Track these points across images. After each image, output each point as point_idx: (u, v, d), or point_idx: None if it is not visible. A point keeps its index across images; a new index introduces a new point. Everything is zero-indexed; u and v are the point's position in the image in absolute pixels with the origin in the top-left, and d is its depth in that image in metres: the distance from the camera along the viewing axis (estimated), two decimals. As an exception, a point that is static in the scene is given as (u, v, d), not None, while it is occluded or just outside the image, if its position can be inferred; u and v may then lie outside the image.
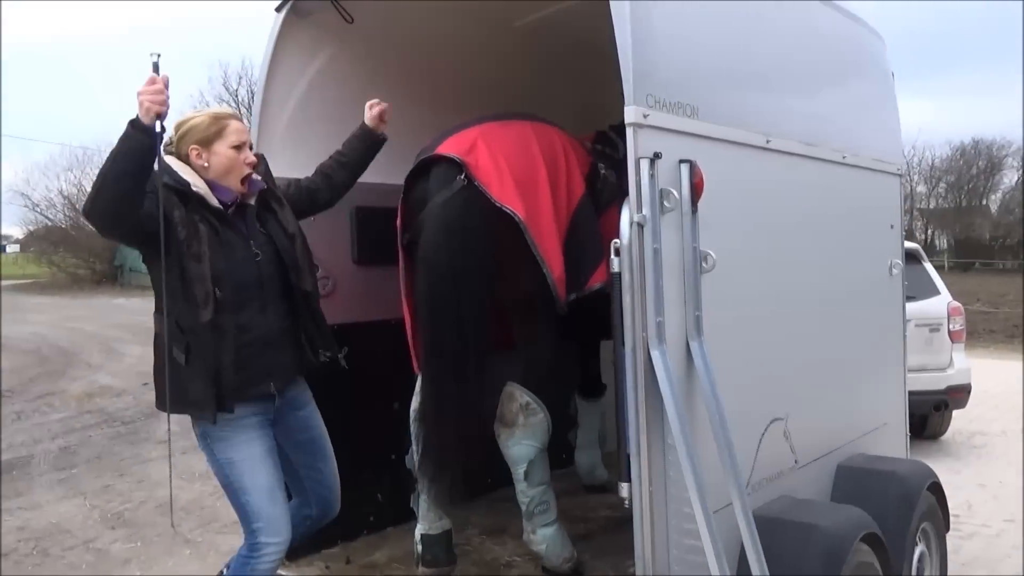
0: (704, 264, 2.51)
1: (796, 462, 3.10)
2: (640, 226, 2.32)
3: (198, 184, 2.67)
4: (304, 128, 3.65)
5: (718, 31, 2.77)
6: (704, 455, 2.43)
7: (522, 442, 3.07)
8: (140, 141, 2.42)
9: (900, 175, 4.04)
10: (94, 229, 2.62)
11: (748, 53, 2.92)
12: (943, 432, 7.50)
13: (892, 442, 3.94)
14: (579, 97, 4.53)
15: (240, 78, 36.29)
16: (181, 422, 2.79)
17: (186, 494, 6.18)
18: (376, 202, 3.82)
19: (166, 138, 2.73)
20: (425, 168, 3.06)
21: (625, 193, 2.90)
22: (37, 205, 36.38)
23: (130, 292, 28.70)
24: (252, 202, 2.83)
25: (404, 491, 3.82)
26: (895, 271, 3.93)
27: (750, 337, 2.86)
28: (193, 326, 2.57)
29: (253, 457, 2.69)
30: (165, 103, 2.45)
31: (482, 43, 4.06)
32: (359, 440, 3.65)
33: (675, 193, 2.38)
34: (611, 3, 2.35)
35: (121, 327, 17.46)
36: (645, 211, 2.32)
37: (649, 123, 2.34)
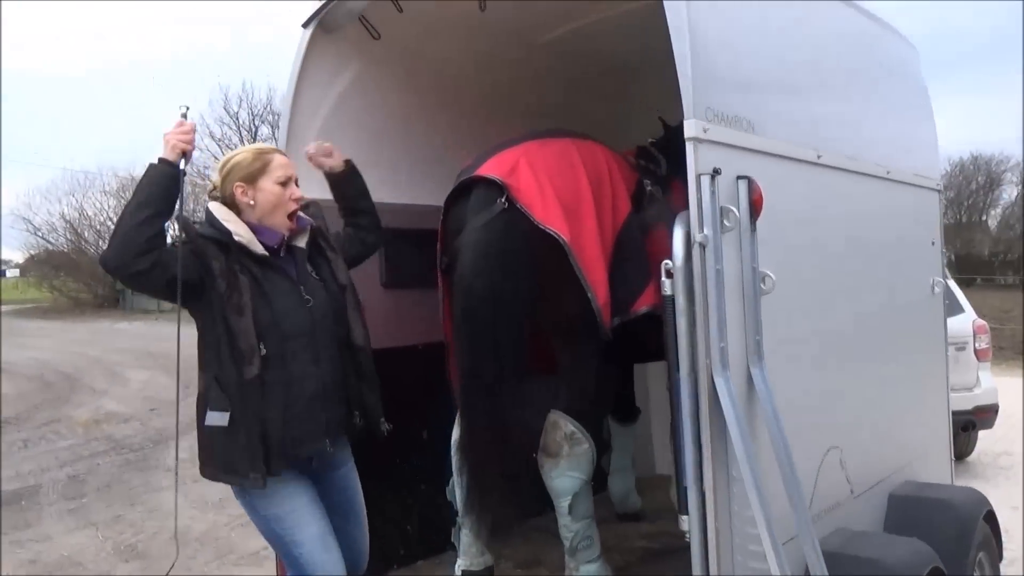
0: (763, 285, 2.39)
1: (852, 492, 2.97)
2: (702, 246, 2.20)
3: (241, 233, 2.51)
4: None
5: (769, 42, 2.67)
6: (765, 486, 2.30)
7: (567, 473, 2.94)
8: (162, 171, 2.36)
9: (939, 190, 3.93)
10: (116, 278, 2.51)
11: (797, 65, 2.82)
12: (969, 453, 7.35)
13: (937, 467, 3.81)
14: (604, 113, 4.44)
15: (241, 101, 36.56)
16: (191, 448, 2.63)
17: (199, 524, 6.02)
18: (405, 224, 3.71)
19: (208, 184, 2.67)
20: (465, 190, 2.96)
21: (672, 211, 2.79)
22: (39, 229, 36.33)
23: (132, 316, 28.60)
24: (303, 244, 2.67)
25: (435, 523, 3.70)
26: (937, 289, 3.81)
27: (805, 361, 2.73)
28: (236, 384, 2.40)
29: (301, 507, 2.51)
30: (191, 142, 2.41)
31: (507, 59, 3.98)
32: (388, 470, 3.52)
33: (735, 211, 2.27)
34: (668, 14, 2.24)
35: (124, 352, 17.32)
36: (706, 230, 2.21)
37: (709, 138, 2.23)
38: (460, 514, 3.12)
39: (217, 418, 2.42)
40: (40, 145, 63.58)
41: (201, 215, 2.66)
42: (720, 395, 2.21)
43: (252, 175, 2.57)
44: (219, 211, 2.55)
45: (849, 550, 2.65)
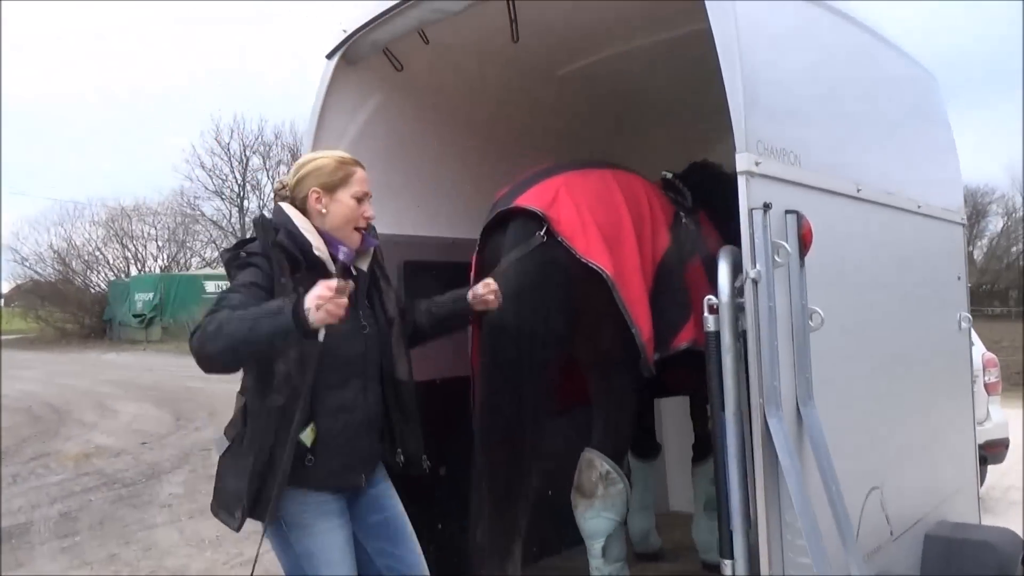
0: (811, 322, 2.33)
1: (891, 534, 2.89)
2: (755, 282, 2.14)
3: (320, 248, 2.39)
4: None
5: (811, 75, 2.64)
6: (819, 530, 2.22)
7: (601, 515, 2.85)
8: (295, 335, 2.11)
9: (964, 224, 3.91)
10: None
11: (835, 98, 2.79)
12: (980, 487, 7.27)
13: (966, 506, 3.74)
14: (620, 145, 4.42)
15: (232, 131, 36.53)
16: (185, 483, 2.51)
17: (197, 563, 5.85)
18: (427, 256, 3.66)
19: (278, 183, 2.57)
20: (503, 220, 2.89)
21: (704, 244, 2.71)
22: (26, 259, 36.02)
23: (120, 347, 28.25)
24: (365, 267, 2.58)
25: (451, 563, 3.59)
26: (964, 324, 3.76)
27: (847, 399, 2.67)
28: (256, 411, 2.31)
29: (334, 548, 2.39)
30: (343, 319, 2.16)
31: (526, 91, 3.95)
32: (408, 508, 3.42)
33: (787, 246, 2.21)
34: (718, 44, 2.20)
35: (113, 383, 17.05)
36: (759, 265, 2.15)
37: (760, 171, 2.18)
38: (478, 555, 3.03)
39: (221, 444, 2.34)
40: (30, 173, 63.19)
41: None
42: (774, 435, 2.14)
43: (332, 184, 2.48)
44: (296, 217, 2.42)
45: (897, 596, 2.57)
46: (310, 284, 2.16)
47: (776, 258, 2.20)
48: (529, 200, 2.83)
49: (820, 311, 2.32)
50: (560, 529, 3.47)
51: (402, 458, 2.58)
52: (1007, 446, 6.79)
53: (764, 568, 2.15)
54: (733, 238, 3.84)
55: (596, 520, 2.86)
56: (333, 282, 2.09)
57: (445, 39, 3.35)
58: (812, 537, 2.10)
